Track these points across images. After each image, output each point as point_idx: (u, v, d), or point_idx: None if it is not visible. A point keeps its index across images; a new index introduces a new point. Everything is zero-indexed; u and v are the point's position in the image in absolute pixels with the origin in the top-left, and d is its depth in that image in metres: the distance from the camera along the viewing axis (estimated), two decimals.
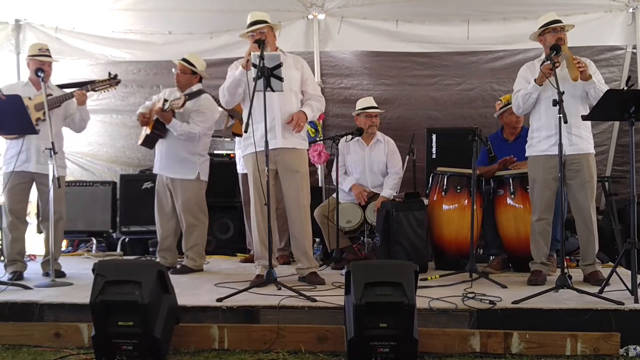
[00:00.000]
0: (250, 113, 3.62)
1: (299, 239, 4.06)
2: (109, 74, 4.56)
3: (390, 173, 5.11)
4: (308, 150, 4.32)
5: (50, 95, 4.32)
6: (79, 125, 4.57)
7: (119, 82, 4.58)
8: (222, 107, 4.94)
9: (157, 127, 4.56)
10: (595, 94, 3.79)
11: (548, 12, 4.05)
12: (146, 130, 4.66)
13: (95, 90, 4.49)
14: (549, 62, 3.68)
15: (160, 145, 4.67)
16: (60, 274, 4.31)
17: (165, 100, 4.49)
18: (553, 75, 3.63)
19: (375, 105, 5.18)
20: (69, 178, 4.77)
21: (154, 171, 4.77)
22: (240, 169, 5.14)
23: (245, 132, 3.64)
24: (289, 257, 5.09)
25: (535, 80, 3.88)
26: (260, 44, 3.66)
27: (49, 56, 4.43)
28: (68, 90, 4.45)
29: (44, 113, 4.20)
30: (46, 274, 4.35)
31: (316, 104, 4.08)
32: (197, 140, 4.61)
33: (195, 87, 4.66)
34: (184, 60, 4.66)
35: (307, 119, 3.97)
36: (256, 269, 4.07)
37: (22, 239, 4.44)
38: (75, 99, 4.35)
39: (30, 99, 4.29)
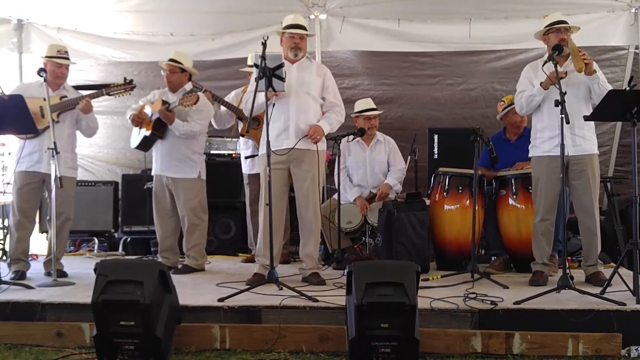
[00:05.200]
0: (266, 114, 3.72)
1: (306, 239, 4.08)
2: (125, 79, 4.53)
3: (394, 170, 5.11)
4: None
5: (65, 97, 4.35)
6: (85, 132, 4.58)
7: (134, 87, 4.54)
8: (227, 107, 4.96)
9: (157, 128, 4.54)
10: (599, 91, 3.77)
11: (551, 12, 4.06)
12: (142, 132, 4.63)
13: (110, 95, 4.48)
14: (551, 62, 3.68)
15: (159, 146, 4.65)
16: (62, 273, 4.31)
17: (165, 102, 4.48)
18: (555, 73, 3.62)
19: (374, 106, 5.17)
20: None
21: (153, 172, 4.74)
22: (246, 169, 5.14)
23: (247, 132, 3.71)
24: (288, 256, 5.10)
25: (541, 83, 3.87)
26: (264, 44, 3.69)
27: (67, 58, 4.43)
28: (84, 92, 4.43)
29: (58, 114, 4.22)
30: (48, 274, 4.35)
31: (335, 117, 4.14)
32: (196, 138, 4.62)
33: (188, 87, 4.64)
34: (171, 60, 4.64)
35: (324, 133, 4.04)
36: (255, 266, 4.07)
37: (27, 239, 4.44)
38: (80, 108, 4.33)
39: (44, 99, 4.29)
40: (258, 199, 5.11)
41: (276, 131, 3.94)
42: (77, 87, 4.62)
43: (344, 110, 4.22)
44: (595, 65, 3.87)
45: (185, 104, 4.33)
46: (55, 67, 4.33)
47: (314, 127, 3.99)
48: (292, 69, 4.02)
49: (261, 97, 3.79)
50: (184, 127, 4.50)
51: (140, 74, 6.27)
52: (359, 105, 5.19)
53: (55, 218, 4.16)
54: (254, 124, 4.41)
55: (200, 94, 4.48)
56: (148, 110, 4.60)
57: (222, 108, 5.02)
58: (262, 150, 4.00)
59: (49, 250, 4.41)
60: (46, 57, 4.40)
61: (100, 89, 4.45)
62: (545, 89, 3.86)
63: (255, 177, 5.07)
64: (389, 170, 5.15)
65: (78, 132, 4.61)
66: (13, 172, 4.36)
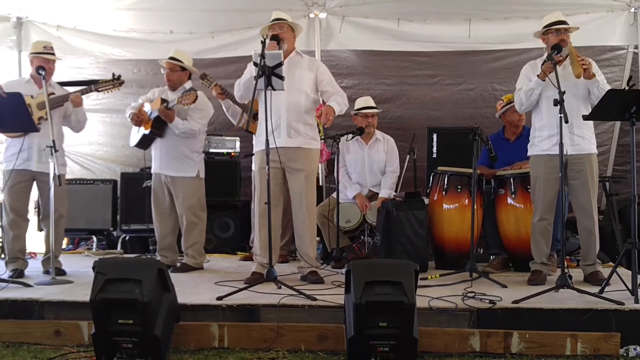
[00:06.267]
0: (265, 111, 3.68)
1: (301, 238, 4.08)
2: (113, 74, 4.52)
3: (387, 172, 5.12)
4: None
5: (53, 94, 4.32)
6: (75, 127, 4.55)
7: (122, 82, 4.53)
8: (234, 102, 4.95)
9: (156, 126, 4.54)
10: (599, 93, 3.77)
11: (550, 12, 4.04)
12: (141, 130, 4.62)
13: (98, 91, 4.46)
14: (550, 61, 3.68)
15: (159, 144, 4.65)
16: (60, 272, 4.31)
17: (164, 100, 4.48)
18: (554, 74, 3.63)
19: (373, 105, 5.18)
20: (69, 176, 4.74)
21: (152, 171, 4.74)
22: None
23: (247, 129, 3.67)
24: (287, 256, 5.10)
25: (537, 75, 3.87)
26: (263, 43, 3.67)
27: (53, 54, 4.41)
28: (70, 89, 4.42)
29: (47, 112, 4.21)
30: (46, 272, 4.35)
31: (341, 99, 4.07)
32: (196, 137, 4.62)
33: (188, 85, 4.64)
34: (171, 58, 4.64)
35: (335, 112, 3.94)
36: (253, 265, 4.08)
37: (23, 237, 4.44)
38: (70, 101, 4.31)
39: (32, 97, 4.27)
40: None
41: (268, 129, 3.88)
42: (64, 84, 4.60)
43: (345, 95, 4.15)
44: (595, 68, 3.87)
45: (183, 103, 4.33)
46: (41, 63, 4.29)
47: (325, 107, 3.91)
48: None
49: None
50: (184, 126, 4.50)
51: (139, 71, 6.28)
52: (359, 103, 5.20)
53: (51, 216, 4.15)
54: (254, 119, 4.41)
55: (199, 92, 4.48)
56: (147, 108, 4.60)
57: None
58: (256, 147, 4.02)
59: (47, 248, 4.41)
60: (32, 53, 4.37)
61: (89, 85, 4.44)
62: (542, 80, 3.85)
63: None
64: (385, 169, 5.15)
65: (65, 129, 4.57)
66: (10, 171, 4.33)
